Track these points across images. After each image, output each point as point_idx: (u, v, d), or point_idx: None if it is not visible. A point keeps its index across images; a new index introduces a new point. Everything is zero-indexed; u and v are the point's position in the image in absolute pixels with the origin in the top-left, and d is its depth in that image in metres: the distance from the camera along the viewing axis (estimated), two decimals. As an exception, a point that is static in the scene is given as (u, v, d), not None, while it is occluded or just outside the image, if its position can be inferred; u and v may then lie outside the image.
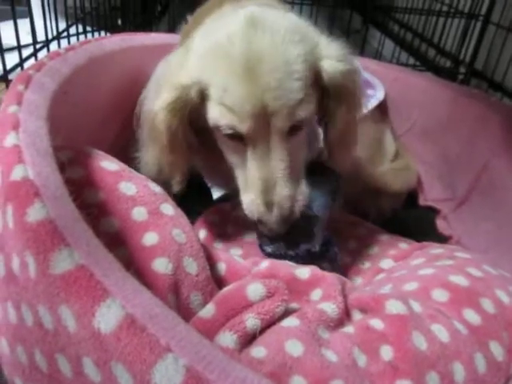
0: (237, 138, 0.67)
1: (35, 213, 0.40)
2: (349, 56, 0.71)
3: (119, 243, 0.55)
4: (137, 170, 0.69)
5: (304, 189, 0.71)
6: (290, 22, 0.68)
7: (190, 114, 0.70)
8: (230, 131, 0.66)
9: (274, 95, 0.63)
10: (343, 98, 0.71)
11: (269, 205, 0.67)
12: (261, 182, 0.67)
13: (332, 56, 0.69)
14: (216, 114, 0.67)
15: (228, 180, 0.78)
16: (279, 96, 0.63)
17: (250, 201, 0.69)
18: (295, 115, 0.66)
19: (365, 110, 1.05)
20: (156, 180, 0.69)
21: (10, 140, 0.48)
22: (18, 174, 0.44)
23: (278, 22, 0.66)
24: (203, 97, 0.68)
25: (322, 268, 0.69)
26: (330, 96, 0.71)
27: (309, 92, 0.66)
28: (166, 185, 0.76)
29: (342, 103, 0.71)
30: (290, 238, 0.72)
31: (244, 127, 0.65)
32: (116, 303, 0.35)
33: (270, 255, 0.74)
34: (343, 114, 0.72)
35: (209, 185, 0.95)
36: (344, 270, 0.80)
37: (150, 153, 0.77)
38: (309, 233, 0.73)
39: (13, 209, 0.42)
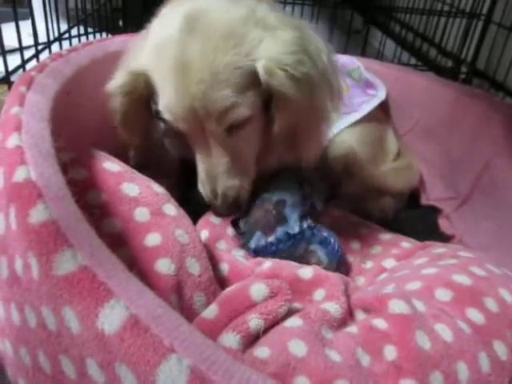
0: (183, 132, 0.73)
1: (38, 214, 0.40)
2: (298, 58, 0.67)
3: (122, 244, 0.55)
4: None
5: (250, 178, 0.77)
6: (231, 22, 0.66)
7: (148, 97, 0.74)
8: (170, 125, 0.72)
9: (200, 104, 0.66)
10: (282, 102, 0.69)
11: (214, 193, 0.75)
12: (205, 174, 0.74)
13: (268, 59, 0.66)
14: (161, 110, 0.71)
15: None
16: (205, 105, 0.66)
17: (200, 185, 0.76)
18: (226, 120, 0.68)
19: (364, 111, 1.05)
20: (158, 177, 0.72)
21: (13, 141, 0.48)
22: (20, 175, 0.44)
23: (214, 24, 0.66)
24: (153, 88, 0.72)
25: (316, 255, 0.73)
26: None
27: (242, 97, 0.67)
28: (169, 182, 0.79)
29: (280, 107, 0.70)
30: (265, 226, 0.78)
31: (181, 128, 0.71)
32: (120, 304, 0.35)
33: (256, 251, 0.77)
34: (282, 116, 0.71)
35: None
36: (345, 257, 0.82)
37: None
38: (280, 217, 0.78)
39: (15, 210, 0.42)
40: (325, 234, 0.77)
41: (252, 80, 0.67)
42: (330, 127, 0.85)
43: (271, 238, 0.76)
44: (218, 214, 0.81)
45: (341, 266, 0.79)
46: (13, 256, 0.42)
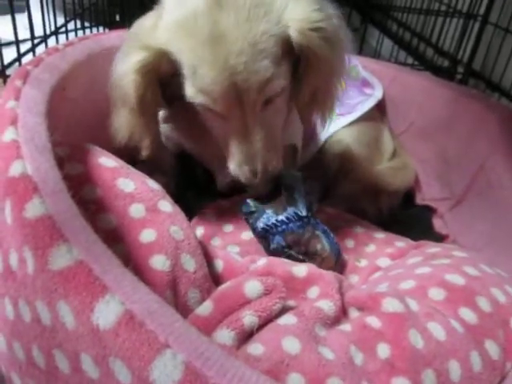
0: (215, 114, 0.69)
1: (34, 208, 0.40)
2: (325, 15, 0.68)
3: (117, 240, 0.55)
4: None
5: (280, 151, 0.75)
6: None
7: (162, 80, 0.70)
8: (206, 110, 0.69)
9: (241, 77, 0.63)
10: (314, 63, 0.70)
11: (253, 171, 0.72)
12: (243, 154, 0.71)
13: (300, 20, 0.66)
14: (190, 93, 0.67)
15: (221, 156, 0.80)
16: (247, 78, 0.64)
17: (237, 168, 0.73)
18: (265, 92, 0.67)
19: (361, 111, 1.06)
20: (127, 146, 0.73)
21: (9, 135, 0.48)
22: (16, 169, 0.44)
23: None
24: (175, 68, 0.68)
25: (321, 241, 0.75)
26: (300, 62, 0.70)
27: (279, 66, 0.66)
28: (137, 151, 0.80)
29: (312, 69, 0.71)
30: (276, 205, 0.78)
31: (217, 107, 0.67)
32: (115, 299, 0.35)
33: (264, 230, 0.77)
34: (312, 79, 0.72)
35: (210, 167, 0.96)
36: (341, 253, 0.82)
37: (121, 117, 0.76)
38: (291, 199, 0.79)
39: (11, 204, 0.42)
40: (325, 227, 0.79)
41: (284, 47, 0.67)
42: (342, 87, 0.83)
43: (281, 217, 0.77)
44: (256, 192, 0.78)
45: (339, 260, 0.80)
46: (8, 250, 0.42)
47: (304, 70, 0.71)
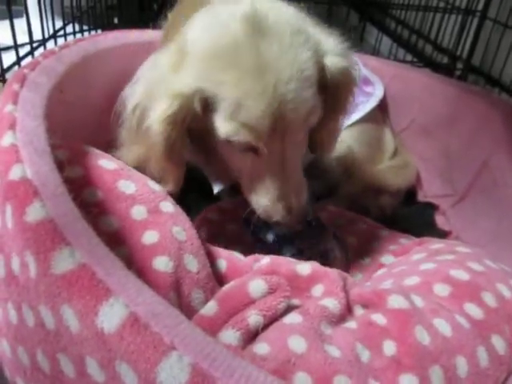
0: (249, 149, 0.65)
1: (34, 212, 0.40)
2: (348, 51, 0.70)
3: (119, 242, 0.55)
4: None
5: (305, 185, 0.71)
6: (291, 19, 0.65)
7: (190, 123, 0.65)
8: (242, 146, 0.65)
9: (290, 107, 0.61)
10: (339, 95, 0.70)
11: (288, 208, 0.68)
12: (279, 190, 0.67)
13: (333, 52, 0.67)
14: (228, 130, 0.63)
15: (226, 176, 0.78)
16: (296, 107, 0.61)
17: (269, 206, 0.69)
18: (308, 123, 0.65)
19: (363, 112, 1.05)
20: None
21: (7, 139, 0.48)
22: (16, 173, 0.43)
23: (280, 22, 0.62)
24: (206, 106, 0.63)
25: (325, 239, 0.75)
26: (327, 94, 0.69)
27: (317, 95, 0.65)
28: None
29: (337, 100, 0.71)
30: None
31: (260, 142, 0.63)
32: (119, 302, 0.35)
33: (275, 241, 0.76)
34: (331, 111, 0.71)
35: (210, 179, 0.94)
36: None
37: (132, 154, 0.72)
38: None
39: (12, 208, 0.41)
40: (334, 231, 0.80)
41: (319, 78, 0.66)
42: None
43: None
44: (289, 228, 0.74)
45: (348, 260, 0.80)
46: (9, 255, 0.42)
47: (330, 101, 0.70)
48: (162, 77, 0.65)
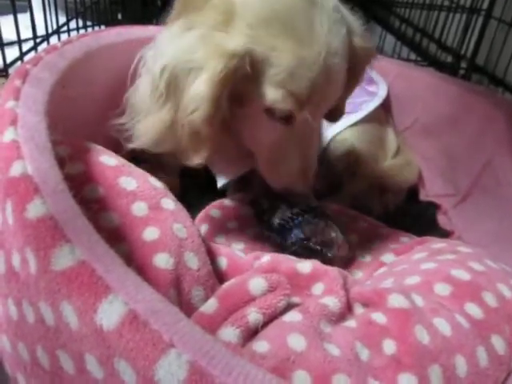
0: (282, 118, 0.67)
1: (35, 209, 0.40)
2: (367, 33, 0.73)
3: (119, 239, 0.55)
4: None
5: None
6: None
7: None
8: (283, 114, 0.66)
9: (334, 79, 0.64)
10: (358, 71, 0.73)
11: (306, 181, 0.72)
12: (301, 161, 0.70)
13: (359, 33, 0.70)
14: (276, 96, 0.63)
15: (234, 165, 0.80)
16: (337, 79, 0.64)
17: (293, 176, 0.71)
18: (337, 96, 0.68)
19: (366, 111, 1.05)
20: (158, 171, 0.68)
21: (9, 135, 0.48)
22: (16, 169, 0.43)
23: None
24: (254, 70, 0.62)
25: (335, 228, 0.77)
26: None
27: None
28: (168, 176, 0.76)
29: (354, 75, 0.73)
30: (288, 199, 0.80)
31: (302, 112, 0.65)
32: (118, 299, 0.35)
33: (280, 226, 0.78)
34: (348, 83, 0.72)
35: (215, 171, 0.94)
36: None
37: (155, 122, 0.67)
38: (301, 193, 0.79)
39: (12, 205, 0.41)
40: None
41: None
42: None
43: (296, 210, 0.78)
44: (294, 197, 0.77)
45: (351, 250, 0.81)
46: (10, 251, 0.42)
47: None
48: (205, 36, 0.62)
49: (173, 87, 0.63)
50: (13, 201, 0.42)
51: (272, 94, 0.63)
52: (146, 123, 0.69)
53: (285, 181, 0.73)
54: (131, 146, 0.71)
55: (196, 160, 0.68)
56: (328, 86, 0.64)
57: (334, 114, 0.80)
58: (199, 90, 0.60)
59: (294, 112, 0.65)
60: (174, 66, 0.62)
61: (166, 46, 0.65)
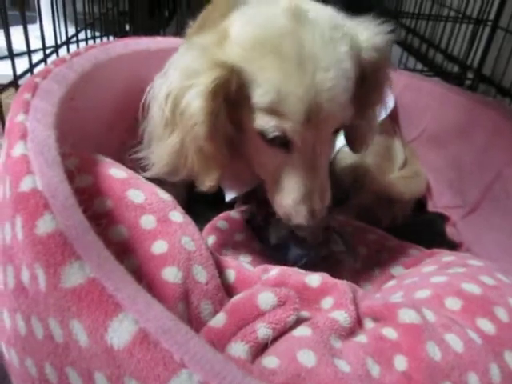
0: (280, 144, 0.65)
1: (45, 225, 0.39)
2: (384, 37, 0.71)
3: (128, 252, 0.55)
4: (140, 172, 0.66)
5: (329, 187, 0.71)
6: (328, 14, 0.66)
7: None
8: (276, 138, 0.64)
9: (327, 97, 0.61)
10: (375, 86, 0.72)
11: (311, 210, 0.67)
12: (306, 188, 0.66)
13: (369, 45, 0.68)
14: (264, 121, 0.62)
15: (243, 182, 0.77)
16: (332, 97, 0.61)
17: (292, 206, 0.67)
18: (343, 117, 0.65)
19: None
20: (165, 183, 0.66)
21: (19, 150, 0.47)
22: (26, 184, 0.43)
23: (319, 18, 0.64)
24: (241, 91, 0.63)
25: (337, 242, 0.76)
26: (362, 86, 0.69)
27: (352, 90, 0.65)
28: (175, 188, 0.74)
29: (373, 92, 0.72)
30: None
31: (297, 135, 0.63)
32: (128, 318, 0.35)
33: (277, 247, 0.77)
34: (369, 102, 0.72)
35: (224, 186, 0.94)
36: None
37: (165, 148, 0.67)
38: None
39: (22, 221, 0.41)
40: (336, 228, 0.82)
41: (358, 70, 0.66)
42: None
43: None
44: (307, 235, 0.73)
45: (357, 258, 0.80)
46: (19, 266, 0.42)
47: (366, 93, 0.70)
48: (200, 54, 0.63)
49: (177, 110, 0.64)
50: (22, 216, 0.41)
51: (260, 117, 0.63)
52: (159, 151, 0.69)
53: (288, 210, 0.69)
54: (147, 175, 0.69)
55: (208, 183, 0.68)
56: (327, 106, 0.61)
57: (359, 141, 0.78)
58: (195, 103, 0.61)
59: (289, 136, 0.63)
60: (177, 89, 0.63)
61: (171, 73, 0.66)
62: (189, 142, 0.64)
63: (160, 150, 0.68)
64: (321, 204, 0.67)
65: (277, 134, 0.63)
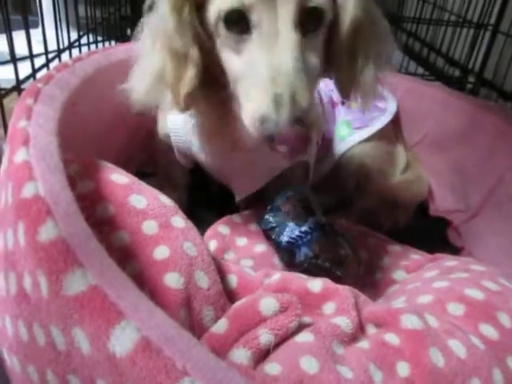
0: (240, 27, 0.62)
1: (47, 232, 0.39)
2: None
3: (130, 257, 0.55)
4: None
5: (313, 88, 0.64)
6: None
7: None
8: (232, 16, 0.61)
9: None
10: (351, 26, 0.66)
11: (277, 99, 0.57)
12: (268, 70, 0.59)
13: None
14: (219, 1, 0.62)
15: (249, 182, 0.80)
16: None
17: (256, 98, 0.60)
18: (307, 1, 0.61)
19: (376, 128, 1.05)
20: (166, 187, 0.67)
21: (21, 156, 0.47)
22: (29, 191, 0.43)
23: None
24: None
25: (344, 246, 0.75)
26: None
27: None
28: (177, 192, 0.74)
29: (349, 32, 0.67)
30: (297, 217, 0.78)
31: (254, 10, 0.60)
32: (131, 326, 0.34)
33: (289, 244, 0.76)
34: (347, 41, 0.67)
35: (230, 187, 0.94)
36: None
37: (144, 65, 0.70)
38: (308, 210, 0.79)
39: (24, 227, 0.41)
40: (342, 232, 0.80)
41: None
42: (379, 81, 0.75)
43: (304, 228, 0.76)
44: (276, 132, 0.59)
45: (361, 262, 0.80)
46: (21, 273, 0.42)
47: (340, 32, 0.67)
48: None
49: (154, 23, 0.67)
50: (25, 223, 0.41)
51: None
52: (140, 69, 0.71)
53: (252, 106, 0.61)
54: (136, 108, 0.72)
55: (183, 93, 0.67)
56: None
57: (345, 86, 0.73)
58: (163, 6, 0.64)
59: (246, 12, 0.60)
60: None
61: None
62: (162, 45, 0.66)
63: (141, 68, 0.71)
64: (294, 87, 0.58)
65: (234, 7, 0.61)
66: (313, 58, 0.64)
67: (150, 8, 0.70)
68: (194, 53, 0.65)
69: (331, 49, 0.68)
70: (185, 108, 0.70)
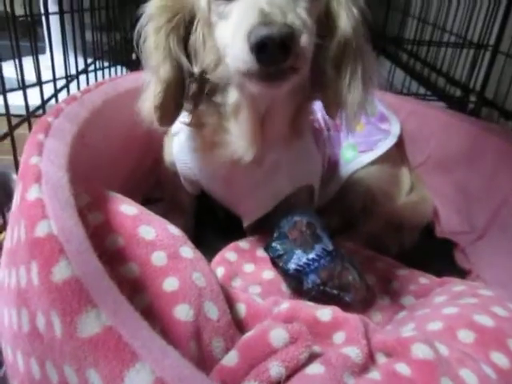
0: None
1: (60, 271, 0.40)
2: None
3: (140, 289, 0.55)
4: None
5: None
6: None
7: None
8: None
9: None
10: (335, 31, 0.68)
11: (263, 18, 0.55)
12: (255, 12, 0.56)
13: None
14: None
15: (256, 206, 0.80)
16: None
17: (242, 29, 0.57)
18: None
19: (381, 151, 1.05)
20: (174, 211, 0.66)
21: (33, 193, 0.48)
22: (42, 229, 0.44)
23: None
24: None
25: (351, 272, 0.74)
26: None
27: None
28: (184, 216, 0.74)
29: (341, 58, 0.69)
30: (303, 244, 0.78)
31: None
32: (146, 368, 0.34)
33: (296, 272, 0.76)
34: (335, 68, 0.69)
35: (238, 213, 0.94)
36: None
37: (149, 92, 0.74)
38: (315, 236, 0.79)
39: (38, 267, 0.42)
40: (349, 257, 0.80)
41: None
42: (371, 100, 0.75)
43: (311, 255, 0.76)
44: (264, 68, 0.56)
45: (369, 288, 0.79)
46: (35, 312, 0.42)
47: (329, 48, 0.69)
48: None
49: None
50: (38, 262, 0.42)
51: None
52: (146, 98, 0.75)
53: (247, 25, 0.56)
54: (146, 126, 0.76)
55: (164, 118, 0.74)
56: None
57: (331, 104, 0.74)
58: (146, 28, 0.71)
59: None
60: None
61: None
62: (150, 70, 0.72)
63: (145, 99, 0.75)
64: (278, 11, 0.55)
65: None
66: (305, 16, 0.61)
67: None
68: (165, 70, 0.71)
69: (319, 65, 0.70)
70: (159, 121, 0.74)
